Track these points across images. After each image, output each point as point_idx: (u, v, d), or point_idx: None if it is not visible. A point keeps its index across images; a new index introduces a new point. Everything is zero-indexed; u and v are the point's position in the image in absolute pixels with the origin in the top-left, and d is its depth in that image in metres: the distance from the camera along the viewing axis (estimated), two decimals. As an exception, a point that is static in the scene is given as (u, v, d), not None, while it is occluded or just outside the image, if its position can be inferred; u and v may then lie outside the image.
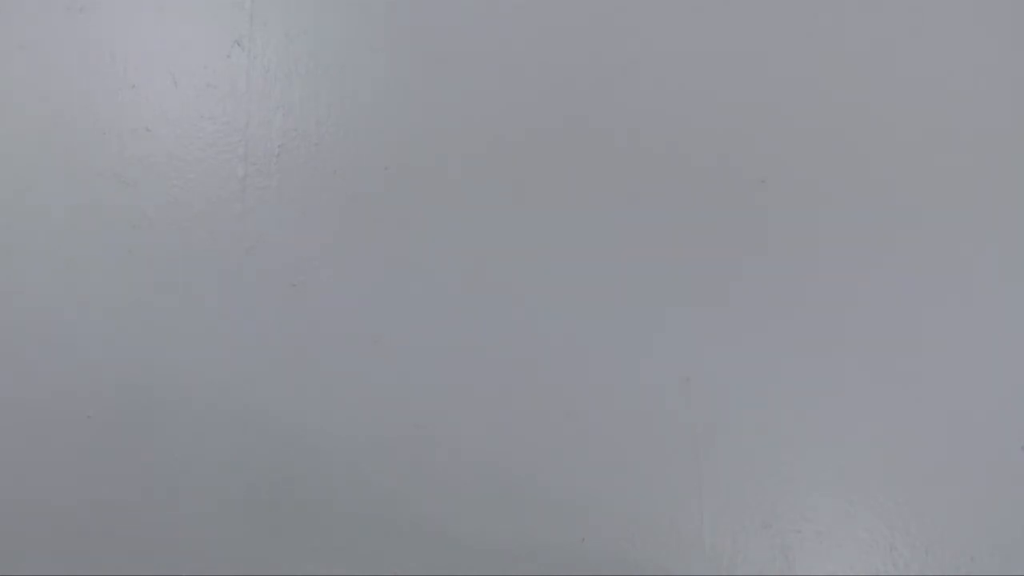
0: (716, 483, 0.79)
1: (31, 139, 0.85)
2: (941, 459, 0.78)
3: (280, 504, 0.80)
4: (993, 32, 0.85)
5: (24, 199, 0.84)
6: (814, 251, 0.82)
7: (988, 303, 0.81)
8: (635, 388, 0.80)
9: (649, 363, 0.81)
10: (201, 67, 0.86)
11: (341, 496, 0.80)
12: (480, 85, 0.85)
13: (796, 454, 0.79)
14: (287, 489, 0.80)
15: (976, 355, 0.80)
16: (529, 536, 0.79)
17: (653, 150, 0.84)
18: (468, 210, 0.83)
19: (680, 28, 0.85)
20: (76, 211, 0.84)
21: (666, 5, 0.86)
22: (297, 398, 0.81)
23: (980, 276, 0.81)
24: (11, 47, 0.86)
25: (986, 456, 0.78)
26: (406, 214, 0.83)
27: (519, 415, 0.80)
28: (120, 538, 0.80)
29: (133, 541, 0.80)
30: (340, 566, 0.79)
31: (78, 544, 0.80)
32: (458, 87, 0.85)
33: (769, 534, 0.78)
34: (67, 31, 0.87)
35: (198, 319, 0.82)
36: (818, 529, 0.78)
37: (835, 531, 0.78)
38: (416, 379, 0.81)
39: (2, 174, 0.85)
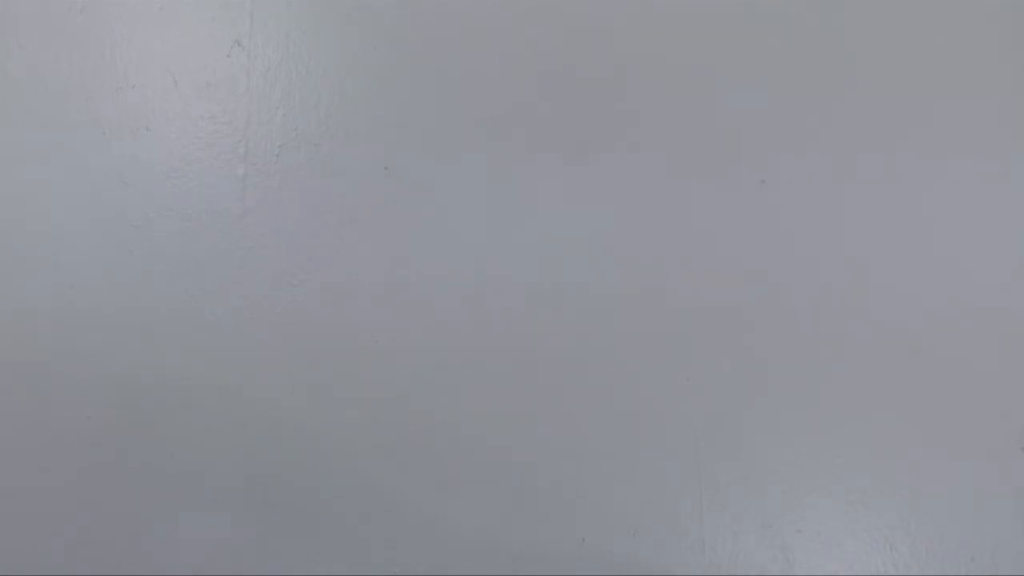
0: (716, 483, 0.79)
1: (31, 139, 0.85)
2: (941, 459, 0.78)
3: (280, 504, 0.80)
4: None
5: (24, 199, 0.84)
6: (813, 251, 0.82)
7: (988, 303, 0.81)
8: (635, 388, 0.80)
9: (649, 363, 0.81)
10: (201, 67, 0.85)
11: (341, 496, 0.80)
12: (480, 85, 0.85)
13: (796, 454, 0.79)
14: (287, 489, 0.80)
15: (976, 355, 0.80)
16: (529, 536, 0.79)
17: (653, 151, 0.84)
18: (468, 210, 0.83)
19: (679, 29, 0.86)
20: (76, 211, 0.84)
21: (665, 9, 0.86)
22: (297, 398, 0.81)
23: (980, 276, 0.81)
24: (11, 47, 0.86)
25: (986, 456, 0.78)
26: (406, 214, 0.83)
27: (519, 416, 0.80)
28: (120, 538, 0.80)
29: (133, 541, 0.80)
30: (340, 566, 0.79)
31: (78, 544, 0.80)
32: (458, 87, 0.85)
33: (769, 534, 0.78)
34: (67, 31, 0.87)
35: (198, 319, 0.82)
36: (818, 529, 0.78)
37: (835, 531, 0.78)
38: (416, 379, 0.81)
39: (2, 174, 0.85)
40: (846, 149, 0.83)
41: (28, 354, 0.82)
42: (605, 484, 0.79)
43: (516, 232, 0.83)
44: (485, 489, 0.79)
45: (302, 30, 0.86)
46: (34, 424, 0.81)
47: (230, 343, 0.82)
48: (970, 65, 0.85)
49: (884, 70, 0.85)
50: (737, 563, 0.77)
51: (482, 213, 0.83)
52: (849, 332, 0.80)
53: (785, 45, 0.85)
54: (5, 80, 0.86)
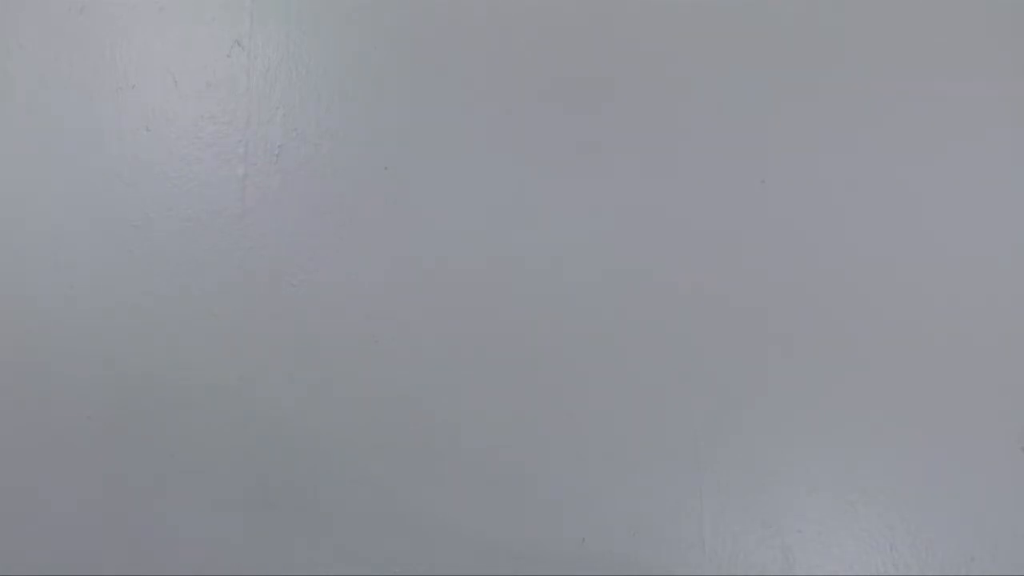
0: (716, 483, 0.79)
1: (31, 139, 0.85)
2: (941, 459, 0.78)
3: (280, 504, 0.80)
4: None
5: (24, 199, 0.84)
6: (814, 251, 0.82)
7: (988, 303, 0.81)
8: (635, 388, 0.80)
9: (649, 363, 0.80)
10: (201, 67, 0.86)
11: (341, 496, 0.80)
12: (480, 85, 0.85)
13: (796, 454, 0.79)
14: (287, 489, 0.80)
15: (976, 355, 0.80)
16: (529, 536, 0.79)
17: (653, 151, 0.84)
18: (467, 210, 0.83)
19: (680, 31, 0.86)
20: (76, 211, 0.84)
21: (664, 9, 0.86)
22: (297, 398, 0.81)
23: (980, 276, 0.81)
24: (11, 47, 0.86)
25: (986, 456, 0.78)
26: (406, 214, 0.83)
27: (519, 416, 0.80)
28: (120, 538, 0.80)
29: (133, 541, 0.80)
30: (340, 566, 0.79)
31: (78, 544, 0.80)
32: (458, 87, 0.85)
33: (769, 534, 0.78)
34: (67, 31, 0.87)
35: (198, 319, 0.82)
36: (818, 529, 0.78)
37: (835, 531, 0.78)
38: (415, 379, 0.81)
39: (2, 174, 0.85)
40: (846, 148, 0.83)
41: (28, 354, 0.82)
42: (605, 484, 0.79)
43: (516, 232, 0.83)
44: (485, 489, 0.79)
45: (302, 30, 0.86)
46: (34, 424, 0.81)
47: (230, 343, 0.82)
48: (972, 65, 0.85)
49: (885, 70, 0.84)
50: (737, 563, 0.77)
51: (482, 213, 0.83)
52: (849, 332, 0.80)
53: (785, 45, 0.85)
54: (5, 80, 0.86)
